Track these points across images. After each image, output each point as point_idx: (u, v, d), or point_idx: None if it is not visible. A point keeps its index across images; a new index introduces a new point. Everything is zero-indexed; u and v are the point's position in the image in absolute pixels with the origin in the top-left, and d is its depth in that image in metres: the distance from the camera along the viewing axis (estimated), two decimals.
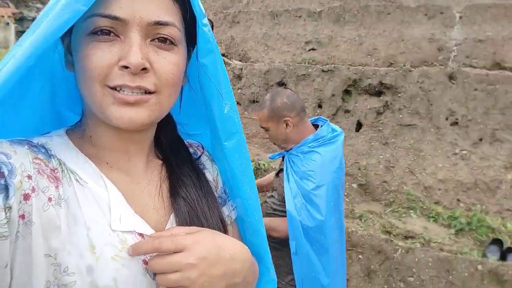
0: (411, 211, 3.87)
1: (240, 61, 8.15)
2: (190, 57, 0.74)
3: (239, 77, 5.92)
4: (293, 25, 10.12)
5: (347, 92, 5.31)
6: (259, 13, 10.56)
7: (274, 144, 2.21)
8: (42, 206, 0.55)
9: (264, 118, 2.04)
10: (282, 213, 2.03)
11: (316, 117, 2.27)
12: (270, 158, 2.35)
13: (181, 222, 0.69)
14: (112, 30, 0.58)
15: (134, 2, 0.59)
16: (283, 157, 2.22)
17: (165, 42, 0.62)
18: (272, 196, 2.20)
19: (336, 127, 2.18)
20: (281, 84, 5.74)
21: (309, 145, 2.03)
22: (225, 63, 8.17)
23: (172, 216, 0.71)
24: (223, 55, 9.15)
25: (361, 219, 3.68)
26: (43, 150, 0.61)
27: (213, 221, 0.73)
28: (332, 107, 5.25)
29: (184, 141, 0.85)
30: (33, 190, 0.55)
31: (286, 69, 5.65)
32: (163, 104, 0.64)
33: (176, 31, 0.63)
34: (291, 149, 2.09)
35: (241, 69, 5.81)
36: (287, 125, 2.03)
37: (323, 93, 5.39)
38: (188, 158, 0.80)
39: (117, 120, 0.60)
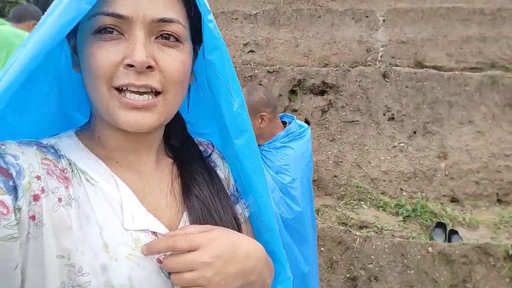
0: (362, 202, 4.11)
1: None
2: (197, 55, 0.74)
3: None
4: (231, 27, 10.16)
5: (293, 92, 5.47)
6: None
7: None
8: (52, 206, 0.55)
9: None
10: None
11: (282, 114, 2.33)
12: None
13: (194, 220, 0.69)
14: (116, 28, 0.58)
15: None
16: None
17: (169, 39, 0.62)
18: None
19: (302, 123, 2.26)
20: None
21: (281, 140, 2.09)
22: None
23: (185, 214, 0.70)
24: None
25: (318, 213, 3.81)
26: (52, 151, 0.61)
27: (226, 219, 0.73)
28: (280, 106, 5.37)
29: (195, 139, 0.86)
30: (43, 190, 0.54)
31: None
32: (171, 105, 0.64)
33: (180, 28, 0.63)
34: (261, 145, 2.10)
35: None
36: (262, 120, 2.06)
37: (273, 92, 5.47)
38: (198, 156, 0.80)
39: (124, 124, 0.60)
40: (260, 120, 2.06)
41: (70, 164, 0.61)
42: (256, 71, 5.59)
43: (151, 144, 0.72)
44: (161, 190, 0.71)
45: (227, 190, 0.82)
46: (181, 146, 0.79)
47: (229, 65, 0.74)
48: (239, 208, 0.83)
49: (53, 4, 0.58)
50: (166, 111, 0.63)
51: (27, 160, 0.55)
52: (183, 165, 0.76)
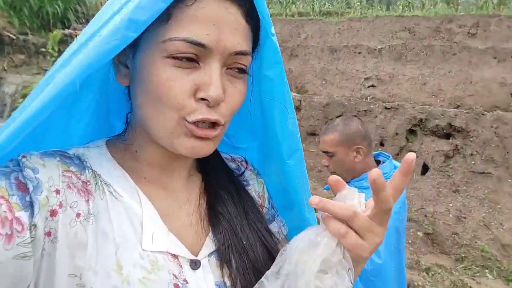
0: (487, 270, 3.43)
1: (297, 93, 8.10)
2: None
3: (297, 109, 5.81)
4: (352, 61, 10.00)
5: (411, 131, 5.01)
6: (317, 47, 10.59)
7: (333, 172, 2.02)
8: (69, 222, 0.53)
9: (333, 142, 1.89)
10: None
11: (378, 152, 2.10)
12: (324, 189, 2.15)
13: (221, 243, 0.65)
14: (195, 58, 0.55)
15: (219, 29, 0.55)
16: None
17: (239, 71, 0.59)
18: None
19: (399, 164, 1.97)
20: None
21: None
22: None
23: (209, 236, 0.66)
24: None
25: (428, 273, 3.30)
26: (77, 162, 0.60)
27: (253, 236, 0.69)
28: (395, 146, 4.96)
29: (227, 154, 0.82)
30: (61, 205, 0.53)
31: (346, 103, 5.47)
32: (224, 132, 0.63)
33: (249, 59, 0.60)
34: (349, 182, 1.91)
35: (300, 100, 5.70)
36: (357, 153, 1.87)
37: (386, 130, 5.12)
38: (225, 170, 0.77)
39: (185, 150, 0.58)
40: (355, 153, 1.89)
41: (94, 176, 0.60)
42: (371, 106, 5.30)
43: (187, 162, 0.70)
44: (187, 209, 0.68)
45: (261, 208, 0.78)
46: (208, 162, 0.76)
47: (286, 82, 0.71)
48: (275, 227, 0.79)
49: (92, 22, 0.57)
50: (219, 139, 0.63)
51: (47, 173, 0.54)
52: (210, 182, 0.73)
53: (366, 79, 8.81)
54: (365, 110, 5.34)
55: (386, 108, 5.25)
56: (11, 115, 0.56)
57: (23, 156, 0.54)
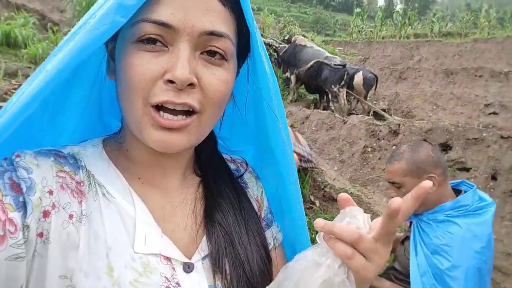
0: None
1: (403, 118, 7.59)
2: (238, 74, 0.68)
3: (395, 133, 5.44)
4: (471, 84, 9.00)
5: None
6: (431, 70, 9.82)
7: None
8: (61, 223, 0.52)
9: (400, 172, 1.68)
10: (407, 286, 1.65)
11: (459, 181, 1.79)
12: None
13: (215, 248, 0.63)
14: (159, 39, 0.53)
15: (187, 8, 0.52)
16: (410, 222, 1.79)
17: (215, 55, 0.56)
18: (394, 268, 1.78)
19: (486, 196, 1.67)
20: (445, 146, 5.00)
21: (446, 213, 1.59)
22: (382, 118, 7.72)
23: (204, 239, 0.64)
24: (384, 110, 8.73)
25: None
26: (71, 161, 0.59)
27: (252, 250, 0.67)
28: (510, 181, 4.25)
29: (227, 155, 0.80)
30: (53, 206, 0.52)
31: (453, 130, 4.92)
32: (204, 126, 0.59)
33: (229, 45, 0.57)
34: (421, 213, 1.69)
35: (399, 125, 5.32)
36: None
37: (500, 163, 4.44)
38: (228, 176, 0.74)
39: (154, 144, 0.56)
40: None
41: (88, 176, 0.59)
42: (484, 134, 4.66)
43: (180, 162, 0.68)
44: (182, 210, 0.66)
45: (259, 213, 0.76)
46: (209, 165, 0.73)
47: (275, 86, 0.69)
48: (272, 232, 0.77)
49: (86, 14, 0.57)
50: (198, 132, 0.59)
51: (41, 173, 0.53)
52: (209, 186, 0.70)
53: (487, 105, 7.81)
54: (475, 139, 4.72)
55: (502, 137, 4.56)
56: (2, 107, 0.56)
57: (17, 155, 0.53)
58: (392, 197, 1.71)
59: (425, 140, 1.87)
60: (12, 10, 7.84)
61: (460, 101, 7.92)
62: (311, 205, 4.54)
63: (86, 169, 0.59)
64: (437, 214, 1.60)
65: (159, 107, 0.54)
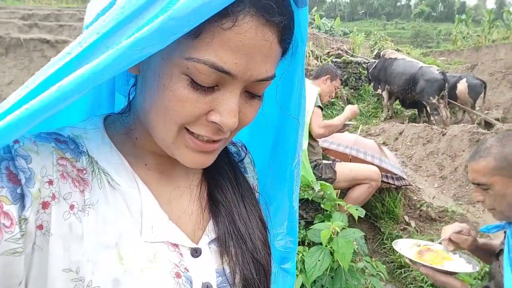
0: None
1: None
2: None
3: None
4: None
5: None
6: None
7: (490, 210, 1.48)
8: (62, 214, 0.51)
9: (487, 170, 1.41)
10: None
11: None
12: (481, 231, 1.59)
13: (221, 231, 0.65)
14: (214, 85, 0.51)
15: (250, 57, 0.49)
16: (504, 232, 1.46)
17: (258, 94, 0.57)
18: (488, 287, 1.46)
19: None
20: None
21: None
22: (491, 126, 6.75)
23: (210, 223, 0.66)
24: (497, 119, 7.64)
25: None
26: (72, 146, 0.56)
27: (251, 224, 0.68)
28: None
29: None
30: (53, 197, 0.50)
31: None
32: (227, 142, 0.62)
33: (271, 81, 0.56)
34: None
35: (510, 130, 4.58)
36: None
37: None
38: (226, 155, 0.75)
39: (188, 163, 0.58)
40: None
41: (91, 162, 0.57)
42: None
43: None
44: (189, 195, 0.67)
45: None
46: None
47: (302, 83, 0.71)
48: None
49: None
50: (222, 146, 0.61)
51: (41, 161, 0.51)
52: (210, 167, 0.68)
53: None
54: None
55: None
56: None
57: (15, 141, 0.51)
58: (479, 201, 1.45)
59: None
60: None
61: None
62: (405, 226, 4.11)
63: (88, 154, 0.57)
64: None
65: (194, 134, 0.54)
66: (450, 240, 1.68)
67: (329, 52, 10.74)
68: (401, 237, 3.95)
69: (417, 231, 3.94)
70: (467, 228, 1.68)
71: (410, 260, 1.54)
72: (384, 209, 4.34)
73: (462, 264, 1.51)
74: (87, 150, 0.58)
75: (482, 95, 8.01)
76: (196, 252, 0.60)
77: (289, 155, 0.79)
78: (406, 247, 1.66)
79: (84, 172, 0.55)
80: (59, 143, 0.55)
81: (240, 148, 0.81)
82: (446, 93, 7.77)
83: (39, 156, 0.51)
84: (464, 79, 8.16)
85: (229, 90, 0.51)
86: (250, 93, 0.55)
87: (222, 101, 0.51)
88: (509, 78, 8.89)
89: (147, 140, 0.62)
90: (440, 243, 1.66)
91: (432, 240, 3.71)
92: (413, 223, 4.08)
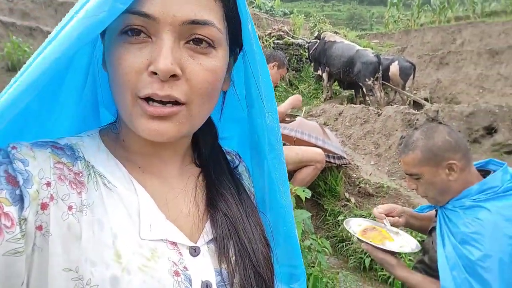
0: None
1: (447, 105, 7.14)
2: (236, 59, 0.70)
3: (434, 121, 5.12)
4: None
5: None
6: (474, 52, 9.19)
7: (424, 197, 1.63)
8: (61, 215, 0.52)
9: (416, 162, 1.55)
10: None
11: (486, 160, 1.61)
12: (416, 211, 1.76)
13: (219, 232, 0.65)
14: (142, 30, 0.53)
15: None
16: (436, 210, 1.63)
17: (201, 44, 0.56)
18: (422, 262, 1.63)
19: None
20: (490, 129, 4.62)
21: (473, 197, 1.43)
22: (419, 105, 7.31)
23: (207, 225, 0.66)
24: (425, 99, 8.28)
25: None
26: (69, 152, 0.58)
27: (255, 239, 0.68)
28: None
29: (223, 148, 0.80)
30: (51, 198, 0.52)
31: (497, 111, 4.54)
32: (195, 116, 0.59)
33: (215, 32, 0.56)
34: (446, 203, 1.54)
35: (437, 111, 5.01)
36: (451, 170, 1.48)
37: None
38: (227, 167, 0.75)
39: (143, 132, 0.56)
40: (447, 170, 1.50)
41: (88, 166, 0.59)
42: None
43: (177, 150, 0.69)
44: (184, 197, 0.67)
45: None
46: (210, 156, 0.75)
47: (265, 73, 0.69)
48: None
49: (77, 3, 0.55)
50: (189, 122, 0.58)
51: (38, 165, 0.52)
52: (209, 176, 0.72)
53: None
54: None
55: None
56: None
57: (13, 147, 0.52)
58: (413, 189, 1.56)
59: (440, 123, 1.69)
60: None
61: (509, 81, 7.34)
62: (346, 203, 4.38)
63: (85, 159, 0.59)
64: (463, 200, 1.46)
65: (148, 99, 0.55)
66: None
67: (270, 33, 10.80)
68: (342, 213, 4.21)
69: (356, 207, 4.22)
70: (397, 210, 1.83)
71: (357, 237, 1.66)
72: (326, 187, 4.57)
73: (403, 245, 1.65)
74: (83, 156, 0.59)
75: (411, 76, 8.60)
76: (195, 251, 0.61)
77: (262, 142, 0.75)
78: (355, 225, 1.78)
79: (81, 175, 0.57)
80: (55, 149, 0.57)
81: (234, 156, 0.82)
82: (380, 75, 8.23)
83: (36, 160, 0.52)
84: (396, 62, 8.69)
85: (160, 37, 0.53)
86: (192, 46, 0.55)
87: (156, 49, 0.53)
88: (435, 61, 9.62)
89: (131, 139, 0.64)
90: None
91: (370, 214, 3.99)
92: (353, 199, 4.35)
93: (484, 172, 1.57)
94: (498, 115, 4.50)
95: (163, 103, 0.54)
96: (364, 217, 3.95)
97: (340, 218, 4.12)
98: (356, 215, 4.03)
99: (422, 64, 9.79)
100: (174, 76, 0.53)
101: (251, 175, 0.83)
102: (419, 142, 1.55)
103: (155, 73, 0.52)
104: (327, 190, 4.57)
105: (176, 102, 0.55)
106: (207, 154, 0.74)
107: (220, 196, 0.69)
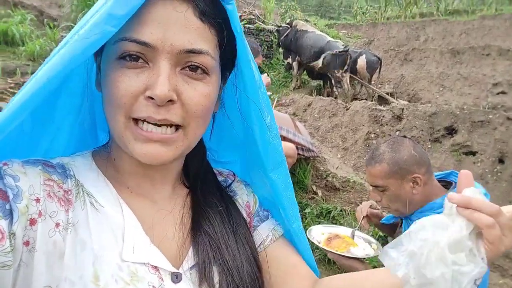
0: None
1: (409, 101, 7.40)
2: (225, 82, 0.71)
3: (399, 118, 5.31)
4: (479, 64, 8.74)
5: None
6: (437, 50, 9.55)
7: (387, 208, 1.70)
8: (48, 232, 0.53)
9: (382, 174, 1.59)
10: None
11: (447, 172, 1.68)
12: (383, 221, 1.82)
13: (201, 258, 0.65)
14: (140, 56, 0.55)
15: (166, 27, 0.55)
16: (400, 223, 1.71)
17: (196, 71, 0.58)
18: None
19: (478, 185, 1.56)
20: (451, 129, 4.86)
21: (437, 211, 1.49)
22: (386, 102, 7.56)
23: (191, 250, 0.66)
24: (390, 94, 8.54)
25: None
26: (59, 171, 0.60)
27: (240, 257, 0.68)
28: None
29: (215, 169, 0.81)
30: (40, 214, 0.52)
31: (458, 112, 4.78)
32: (190, 138, 0.61)
33: (209, 60, 0.59)
34: (411, 214, 1.61)
35: (402, 109, 5.20)
36: (415, 183, 1.54)
37: (507, 145, 4.31)
38: (216, 186, 0.76)
39: (139, 156, 0.58)
40: (412, 184, 1.55)
41: (77, 185, 0.60)
42: (490, 116, 4.51)
43: (168, 173, 0.70)
44: (171, 220, 0.67)
45: (248, 220, 0.78)
46: (198, 176, 0.75)
47: (264, 93, 0.71)
48: (268, 225, 0.79)
49: (77, 25, 0.58)
50: (184, 144, 0.60)
51: (28, 181, 0.53)
52: (197, 196, 0.72)
53: (495, 84, 7.58)
54: (482, 121, 4.58)
55: (508, 118, 4.42)
56: None
57: (4, 164, 0.54)
58: (376, 201, 1.59)
59: (404, 136, 1.75)
60: (9, 7, 7.78)
61: (468, 81, 7.72)
62: (313, 195, 4.48)
63: (75, 178, 0.60)
64: (427, 212, 1.52)
65: (140, 121, 0.56)
66: (367, 216, 1.90)
67: (241, 16, 10.62)
68: (309, 205, 4.31)
69: (323, 200, 4.33)
70: (375, 204, 1.91)
71: (321, 247, 1.70)
72: (294, 180, 4.64)
73: (366, 249, 1.71)
74: (74, 174, 0.61)
75: (378, 70, 8.82)
76: (176, 278, 0.61)
77: (265, 161, 0.74)
78: (318, 234, 1.82)
79: (69, 193, 0.58)
80: (46, 167, 0.58)
81: (226, 176, 0.82)
82: (349, 68, 8.38)
83: (27, 177, 0.53)
84: (364, 55, 8.86)
85: (157, 64, 0.55)
86: (187, 72, 0.57)
87: (153, 76, 0.55)
88: (400, 56, 9.91)
89: (122, 159, 0.65)
90: (359, 229, 1.86)
91: (336, 208, 4.12)
92: (320, 193, 4.46)
93: (446, 182, 1.64)
94: (459, 117, 4.75)
95: (157, 125, 0.56)
96: (329, 211, 4.10)
97: (307, 211, 4.23)
98: (322, 208, 4.15)
99: (388, 59, 10.06)
100: (170, 101, 0.55)
101: (255, 191, 0.84)
102: (385, 155, 1.59)
103: (152, 98, 0.54)
104: (295, 182, 4.65)
105: (171, 126, 0.57)
106: (195, 173, 0.75)
107: (203, 214, 0.69)
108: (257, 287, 0.68)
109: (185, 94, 0.57)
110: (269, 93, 4.28)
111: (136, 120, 0.57)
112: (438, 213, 1.47)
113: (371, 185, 1.68)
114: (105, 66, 0.59)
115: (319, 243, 1.71)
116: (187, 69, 0.57)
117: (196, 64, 0.57)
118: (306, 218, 4.20)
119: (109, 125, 0.60)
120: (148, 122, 0.56)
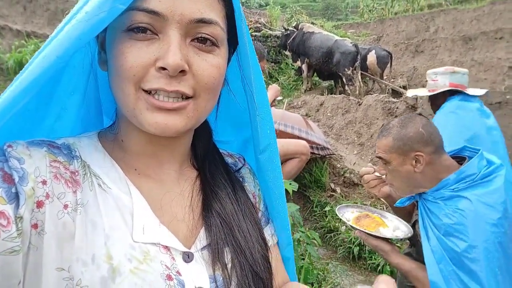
0: None
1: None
2: (230, 59, 0.70)
3: (413, 108, 5.21)
4: (492, 48, 8.52)
5: None
6: (448, 39, 9.37)
7: (391, 185, 1.65)
8: (56, 213, 0.52)
9: (386, 148, 1.55)
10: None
11: (460, 147, 1.61)
12: (396, 205, 1.76)
13: (214, 239, 0.64)
14: (149, 27, 0.54)
15: None
16: (416, 202, 1.64)
17: (206, 42, 0.57)
18: (409, 255, 1.65)
19: (494, 158, 1.49)
20: None
21: (452, 187, 1.43)
22: (401, 96, 7.43)
23: (202, 230, 0.66)
24: (403, 87, 8.41)
25: None
26: (65, 152, 0.59)
27: (251, 238, 0.68)
28: None
29: (225, 150, 0.81)
30: (47, 196, 0.51)
31: None
32: (201, 110, 0.60)
33: (219, 31, 0.58)
34: (424, 193, 1.54)
35: (416, 99, 5.09)
36: (416, 162, 1.49)
37: None
38: (223, 168, 0.75)
39: (150, 126, 0.56)
40: (413, 161, 1.50)
41: (84, 166, 0.59)
42: (507, 97, 4.37)
43: (175, 152, 0.68)
44: (180, 202, 0.66)
45: (256, 209, 0.77)
46: (205, 157, 0.75)
47: (257, 73, 0.71)
48: (270, 230, 0.79)
49: (79, 3, 0.56)
50: (195, 116, 0.59)
51: (33, 163, 0.52)
52: (206, 178, 0.71)
53: (511, 67, 7.36)
54: (499, 102, 4.44)
55: None
56: None
57: (9, 146, 0.53)
58: (383, 175, 1.53)
59: (420, 114, 1.70)
60: (22, 38, 8.07)
61: (483, 66, 7.52)
62: (332, 193, 4.42)
63: (81, 159, 0.59)
64: (442, 190, 1.46)
65: (151, 92, 0.55)
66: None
67: (247, 25, 10.72)
68: (329, 203, 4.25)
69: (342, 197, 4.27)
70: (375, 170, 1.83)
71: (349, 225, 1.66)
72: (312, 179, 4.60)
73: (396, 231, 1.66)
74: (80, 155, 0.59)
75: (389, 65, 8.71)
76: (188, 257, 0.60)
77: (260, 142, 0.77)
78: (348, 213, 1.78)
79: (76, 174, 0.57)
80: (51, 148, 0.57)
81: (237, 159, 0.82)
82: (359, 64, 8.30)
83: (32, 159, 0.52)
84: (373, 51, 8.78)
85: (167, 34, 0.54)
86: (197, 44, 0.57)
87: (163, 46, 0.54)
88: (411, 49, 9.77)
89: (131, 139, 0.64)
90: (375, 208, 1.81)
91: (356, 203, 4.05)
92: (338, 190, 4.40)
93: (460, 158, 1.58)
94: None
95: (169, 98, 0.55)
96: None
97: (327, 209, 4.17)
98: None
99: (398, 53, 9.94)
100: (182, 71, 0.54)
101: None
102: (393, 129, 1.56)
103: (163, 68, 0.53)
104: (313, 181, 4.60)
105: (183, 97, 0.56)
106: (203, 154, 0.74)
107: (214, 195, 0.69)
108: (268, 267, 0.68)
109: (196, 65, 0.56)
110: (279, 98, 4.29)
111: (147, 92, 0.56)
112: (453, 189, 1.43)
113: (376, 156, 1.65)
114: (111, 40, 0.57)
115: (348, 220, 1.67)
116: (196, 41, 0.56)
117: (206, 35, 0.56)
118: (326, 216, 4.14)
119: (117, 101, 0.59)
120: (159, 95, 0.55)
